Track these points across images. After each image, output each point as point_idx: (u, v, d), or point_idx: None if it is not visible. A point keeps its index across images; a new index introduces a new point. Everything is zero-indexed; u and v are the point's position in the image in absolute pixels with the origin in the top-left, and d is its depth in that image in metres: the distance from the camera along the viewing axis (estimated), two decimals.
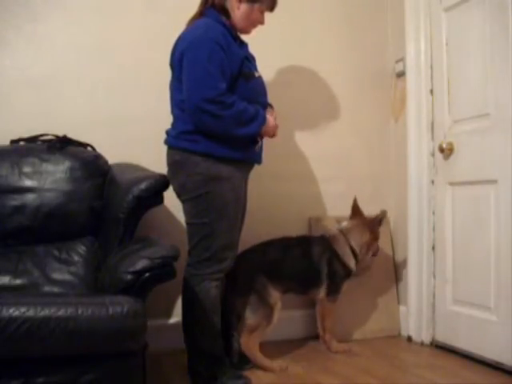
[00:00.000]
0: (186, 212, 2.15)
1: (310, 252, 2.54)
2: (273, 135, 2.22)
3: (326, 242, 2.59)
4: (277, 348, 2.66)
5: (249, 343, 2.33)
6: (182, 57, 2.03)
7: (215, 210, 2.07)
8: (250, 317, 2.33)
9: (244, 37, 2.25)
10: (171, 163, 2.15)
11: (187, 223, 2.16)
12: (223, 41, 2.02)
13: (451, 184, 2.65)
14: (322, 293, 2.55)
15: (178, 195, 2.17)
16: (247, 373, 2.25)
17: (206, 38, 2.01)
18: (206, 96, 1.95)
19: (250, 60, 2.20)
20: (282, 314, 2.82)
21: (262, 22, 2.22)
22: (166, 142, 2.18)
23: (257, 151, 2.18)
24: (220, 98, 1.97)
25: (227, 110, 1.98)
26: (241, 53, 2.11)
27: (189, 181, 2.08)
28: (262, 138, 2.18)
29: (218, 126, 2.01)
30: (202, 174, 2.06)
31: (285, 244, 2.54)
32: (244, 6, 2.12)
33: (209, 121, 1.99)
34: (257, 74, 2.19)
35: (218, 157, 2.06)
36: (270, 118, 2.15)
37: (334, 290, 2.56)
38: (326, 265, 2.53)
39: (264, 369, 2.32)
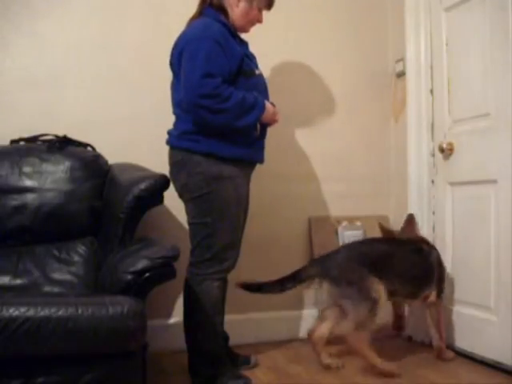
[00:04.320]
0: (188, 212, 2.16)
1: (422, 249, 2.43)
2: (273, 122, 2.20)
3: (427, 242, 2.52)
4: (277, 348, 2.67)
5: (358, 341, 2.18)
6: (181, 56, 2.03)
7: (217, 209, 2.08)
8: (353, 312, 2.17)
9: (244, 36, 2.25)
10: (173, 163, 2.15)
11: (189, 223, 2.17)
12: (221, 39, 2.03)
13: (451, 184, 2.65)
14: (434, 294, 2.40)
15: (180, 195, 2.17)
16: (247, 373, 2.25)
17: (204, 36, 2.01)
18: (202, 92, 1.95)
19: (250, 58, 2.20)
20: (282, 314, 2.85)
21: (260, 21, 2.23)
22: (168, 142, 2.18)
23: (256, 137, 2.14)
24: (216, 91, 1.96)
25: (225, 102, 1.98)
26: (240, 51, 2.11)
27: (190, 181, 2.08)
28: (262, 126, 2.14)
29: (218, 121, 2.01)
30: (204, 173, 2.06)
31: (391, 239, 2.47)
32: (243, 4, 2.13)
33: (208, 116, 1.99)
34: (257, 72, 2.19)
35: (219, 156, 2.06)
36: (268, 105, 2.14)
37: (441, 292, 2.43)
38: (437, 264, 2.42)
39: (379, 370, 2.19)
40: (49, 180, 2.24)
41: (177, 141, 2.13)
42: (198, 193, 2.08)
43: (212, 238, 2.09)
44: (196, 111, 1.99)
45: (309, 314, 2.87)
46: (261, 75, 2.23)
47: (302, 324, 2.87)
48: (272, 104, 2.22)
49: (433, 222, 2.77)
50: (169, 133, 2.19)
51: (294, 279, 2.29)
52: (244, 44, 2.23)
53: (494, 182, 2.36)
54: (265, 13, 2.23)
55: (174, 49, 2.14)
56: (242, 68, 2.09)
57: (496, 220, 2.36)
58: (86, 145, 2.42)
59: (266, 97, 2.23)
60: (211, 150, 2.06)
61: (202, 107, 1.97)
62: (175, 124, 2.18)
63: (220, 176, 2.07)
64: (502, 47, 2.32)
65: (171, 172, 2.16)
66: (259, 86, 2.18)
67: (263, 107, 2.10)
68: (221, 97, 1.97)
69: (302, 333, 2.86)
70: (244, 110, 2.03)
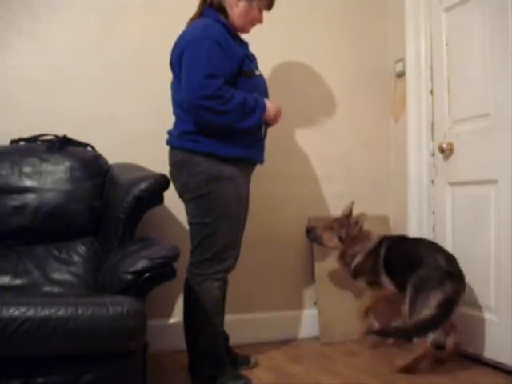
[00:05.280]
0: (188, 212, 2.16)
1: None
2: (275, 121, 2.20)
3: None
4: (277, 348, 2.67)
5: None
6: (181, 56, 2.03)
7: (217, 209, 2.07)
8: None
9: (244, 36, 2.25)
10: (173, 163, 2.15)
11: (189, 223, 2.17)
12: (222, 39, 2.03)
13: (451, 184, 2.65)
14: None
15: (181, 195, 2.17)
16: (247, 373, 2.25)
17: (205, 37, 2.01)
18: (204, 93, 1.95)
19: (250, 59, 2.20)
20: (282, 314, 2.85)
21: (260, 21, 2.22)
22: (168, 142, 2.18)
23: (261, 137, 2.17)
24: (218, 92, 1.96)
25: (227, 104, 1.97)
26: (240, 51, 2.11)
27: (191, 181, 2.08)
28: (266, 126, 2.17)
29: (220, 122, 2.01)
30: (204, 173, 2.06)
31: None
32: (242, 4, 2.13)
33: (210, 118, 1.99)
34: (257, 73, 2.19)
35: (220, 156, 2.06)
36: (269, 105, 2.14)
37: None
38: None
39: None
40: (49, 180, 2.24)
41: (177, 141, 2.13)
42: (198, 193, 2.08)
43: (212, 237, 2.09)
44: (198, 112, 1.99)
45: (309, 314, 2.87)
46: (261, 76, 2.23)
47: (302, 324, 2.87)
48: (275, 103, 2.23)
49: (433, 222, 2.77)
50: (169, 133, 2.19)
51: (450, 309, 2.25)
52: (244, 44, 2.23)
53: (494, 182, 2.36)
54: (265, 13, 2.23)
55: (173, 49, 2.14)
56: (242, 69, 2.08)
57: (496, 220, 2.36)
58: (85, 145, 2.41)
59: (267, 97, 2.23)
60: (211, 150, 2.05)
61: (204, 108, 1.97)
62: (175, 124, 2.17)
63: (220, 176, 2.07)
64: (501, 47, 2.32)
65: (171, 172, 2.16)
66: (259, 87, 2.18)
67: (264, 107, 2.10)
68: (223, 98, 1.97)
69: (302, 333, 2.87)
70: (246, 112, 2.03)
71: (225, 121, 2.01)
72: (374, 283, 2.57)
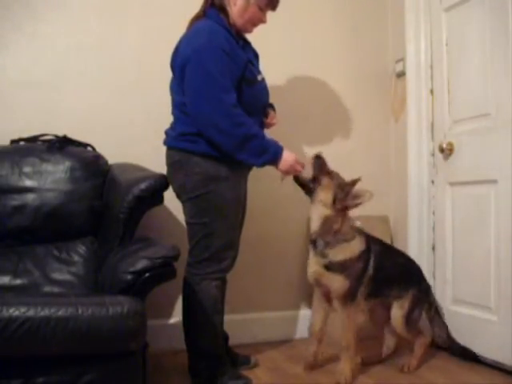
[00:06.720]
0: (186, 212, 2.15)
1: None
2: (291, 172, 2.14)
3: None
4: (276, 348, 2.67)
5: None
6: (185, 63, 2.00)
7: (214, 209, 2.07)
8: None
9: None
10: (171, 164, 2.15)
11: (187, 223, 2.16)
12: (227, 46, 2.00)
13: (451, 184, 2.65)
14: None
15: (178, 196, 2.17)
16: (247, 373, 2.25)
17: (211, 47, 1.97)
18: (217, 108, 1.94)
19: (253, 63, 2.17)
20: (281, 314, 2.85)
21: (262, 20, 2.17)
22: (165, 142, 2.18)
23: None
24: (232, 110, 1.95)
25: (237, 128, 1.96)
26: (244, 56, 2.08)
27: (188, 181, 2.08)
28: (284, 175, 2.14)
29: (223, 143, 1.99)
30: (201, 173, 2.06)
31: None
32: (240, 2, 2.09)
33: (217, 136, 1.98)
34: (260, 77, 2.16)
35: (217, 157, 2.06)
36: (288, 157, 2.09)
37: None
38: None
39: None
40: (49, 180, 2.24)
41: (174, 141, 2.12)
42: (195, 193, 2.08)
43: (210, 237, 2.09)
44: (207, 128, 1.98)
45: (308, 314, 2.87)
46: (263, 80, 2.20)
47: (301, 324, 2.87)
48: (272, 106, 2.22)
49: (433, 222, 2.77)
50: (166, 133, 2.19)
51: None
52: (248, 45, 2.21)
53: (494, 182, 2.36)
54: (268, 13, 2.21)
55: (175, 52, 2.11)
56: (245, 76, 2.06)
57: (496, 220, 2.36)
58: (85, 145, 2.42)
59: (267, 102, 2.22)
60: (209, 151, 2.05)
61: (214, 125, 1.95)
62: (173, 125, 2.17)
63: (217, 176, 2.07)
64: (501, 47, 2.32)
65: (168, 172, 2.15)
66: (261, 92, 2.17)
67: (277, 156, 2.06)
68: (235, 118, 1.95)
69: (301, 333, 2.87)
70: (250, 148, 2.00)
71: (227, 143, 1.99)
72: (353, 294, 2.20)
